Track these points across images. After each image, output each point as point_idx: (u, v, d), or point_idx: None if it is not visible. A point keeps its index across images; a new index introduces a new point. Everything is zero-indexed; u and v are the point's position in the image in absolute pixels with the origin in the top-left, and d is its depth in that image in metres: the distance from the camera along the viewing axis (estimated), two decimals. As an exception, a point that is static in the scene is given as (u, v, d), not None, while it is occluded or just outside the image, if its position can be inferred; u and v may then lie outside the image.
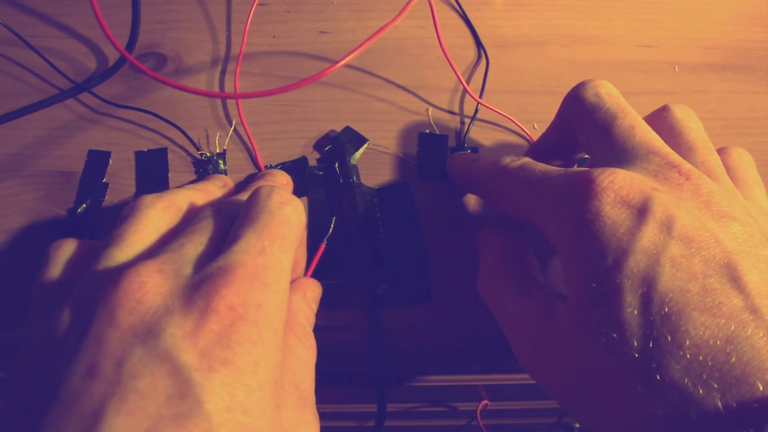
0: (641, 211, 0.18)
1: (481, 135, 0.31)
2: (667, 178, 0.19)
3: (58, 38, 0.33)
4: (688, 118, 0.23)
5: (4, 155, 0.30)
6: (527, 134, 0.31)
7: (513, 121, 0.31)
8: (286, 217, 0.20)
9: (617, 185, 0.19)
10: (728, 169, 0.22)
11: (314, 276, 0.25)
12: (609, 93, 0.23)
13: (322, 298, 0.25)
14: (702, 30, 0.35)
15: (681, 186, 0.19)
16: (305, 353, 0.21)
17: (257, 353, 0.17)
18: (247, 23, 0.33)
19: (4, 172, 0.29)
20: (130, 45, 0.31)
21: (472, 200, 0.29)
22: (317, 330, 0.23)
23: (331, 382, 0.27)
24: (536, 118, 0.32)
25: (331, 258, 0.27)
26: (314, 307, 0.24)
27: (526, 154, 0.25)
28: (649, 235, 0.17)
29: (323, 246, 0.26)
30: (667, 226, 0.18)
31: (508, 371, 0.31)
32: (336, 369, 0.26)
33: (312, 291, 0.24)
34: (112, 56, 0.33)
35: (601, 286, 0.18)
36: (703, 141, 0.22)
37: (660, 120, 0.23)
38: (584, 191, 0.19)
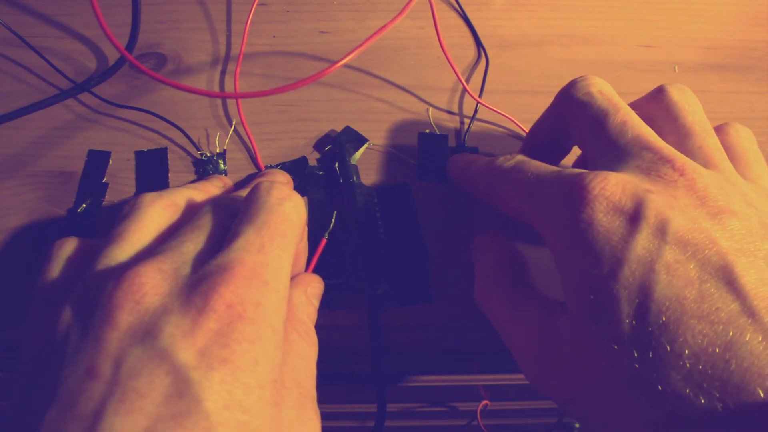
0: (634, 217, 0.18)
1: (481, 135, 0.31)
2: (660, 175, 0.19)
3: (58, 38, 0.33)
4: (684, 100, 0.22)
5: (4, 155, 0.30)
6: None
7: (513, 121, 0.31)
8: (286, 213, 0.20)
9: (609, 191, 0.18)
10: (727, 149, 0.22)
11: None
12: (600, 90, 0.22)
13: (322, 298, 0.25)
14: (702, 30, 0.35)
15: (675, 183, 0.19)
16: (306, 350, 0.21)
17: (256, 352, 0.17)
18: (247, 23, 0.33)
19: (4, 172, 0.29)
20: (130, 45, 0.31)
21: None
22: (317, 329, 0.23)
23: (331, 382, 0.27)
24: (536, 118, 0.31)
25: (332, 258, 0.27)
26: (316, 303, 0.23)
27: (521, 149, 0.25)
28: (642, 242, 0.17)
29: (324, 240, 0.26)
30: (661, 231, 0.17)
31: (508, 371, 0.31)
32: (336, 369, 0.26)
33: (313, 287, 0.23)
34: (112, 56, 0.33)
35: (599, 297, 0.17)
36: (701, 124, 0.21)
37: (656, 103, 0.23)
38: (576, 199, 0.19)
